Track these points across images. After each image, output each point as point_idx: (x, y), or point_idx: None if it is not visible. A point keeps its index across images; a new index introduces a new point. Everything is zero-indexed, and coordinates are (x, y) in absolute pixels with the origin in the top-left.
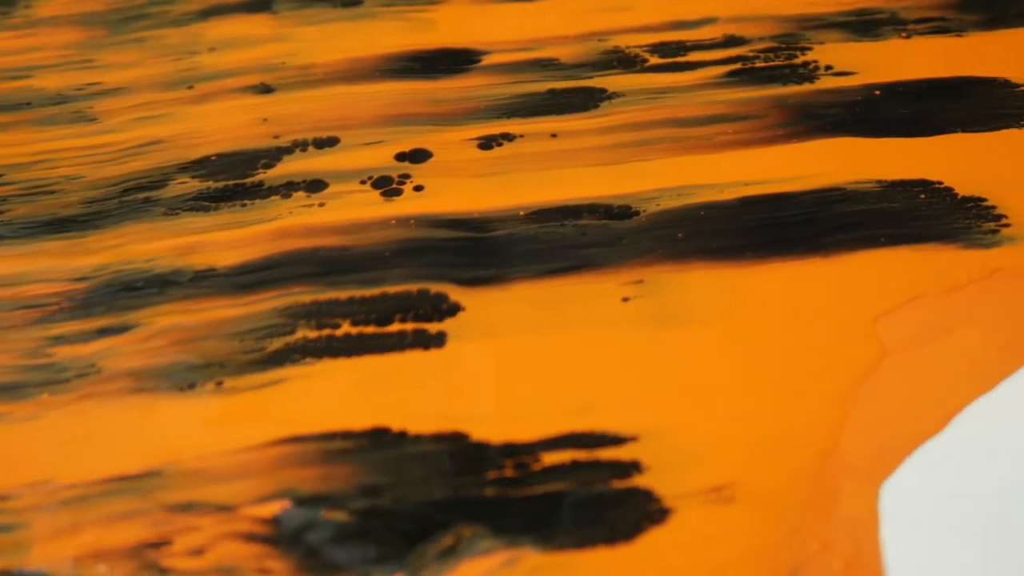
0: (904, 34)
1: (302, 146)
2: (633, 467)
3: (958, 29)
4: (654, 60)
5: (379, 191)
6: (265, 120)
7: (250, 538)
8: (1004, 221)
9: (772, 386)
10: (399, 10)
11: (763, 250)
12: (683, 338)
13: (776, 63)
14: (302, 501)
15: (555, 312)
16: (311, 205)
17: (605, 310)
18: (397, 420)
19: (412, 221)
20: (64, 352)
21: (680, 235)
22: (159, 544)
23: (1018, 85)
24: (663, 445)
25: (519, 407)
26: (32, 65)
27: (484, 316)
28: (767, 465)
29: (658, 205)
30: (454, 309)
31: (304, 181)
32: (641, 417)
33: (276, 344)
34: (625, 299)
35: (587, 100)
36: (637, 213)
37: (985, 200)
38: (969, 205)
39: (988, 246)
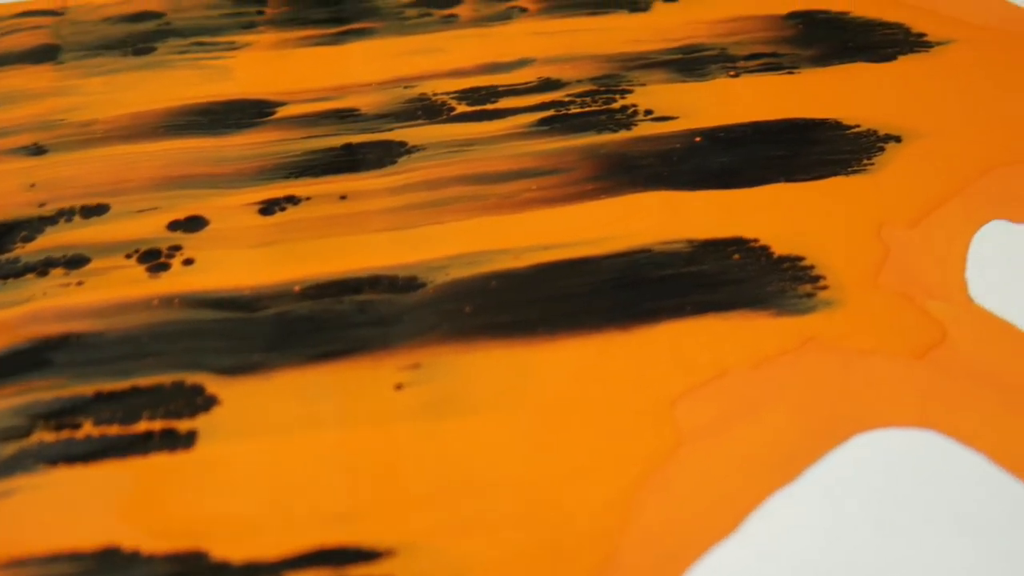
0: (733, 73)
1: (68, 215)
2: None
3: (791, 66)
4: (461, 108)
5: (145, 266)
6: (32, 186)
7: None
8: (822, 283)
9: (552, 485)
10: (194, 58)
11: (557, 324)
12: (457, 431)
13: (592, 108)
14: None
15: (319, 405)
16: (68, 284)
17: (375, 401)
18: (131, 537)
19: (176, 300)
20: None
21: (468, 309)
22: None
23: (849, 127)
24: (423, 560)
25: (267, 518)
26: None
27: (241, 411)
28: None
29: (447, 275)
30: (209, 403)
31: (64, 256)
32: (401, 527)
33: (8, 449)
34: (399, 386)
35: (383, 155)
36: (424, 285)
37: (803, 259)
38: (785, 266)
39: (803, 312)
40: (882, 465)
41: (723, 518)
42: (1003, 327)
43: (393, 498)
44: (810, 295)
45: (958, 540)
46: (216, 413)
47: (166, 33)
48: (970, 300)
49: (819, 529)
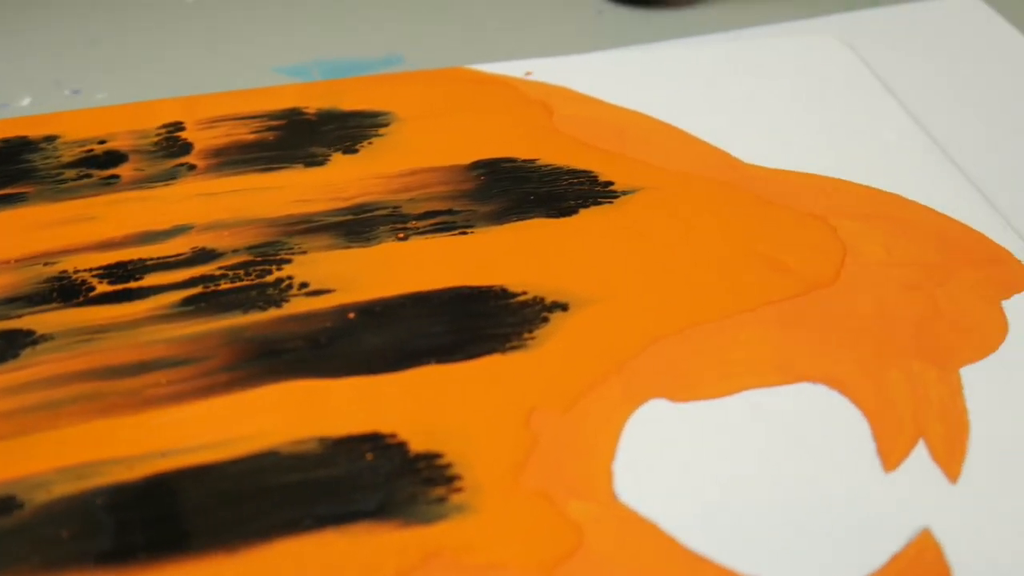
0: (401, 235)
1: None
2: None
3: (465, 224)
4: (103, 287)
5: None
6: None
7: None
8: (456, 484)
9: None
10: None
11: (157, 550)
12: None
13: (244, 283)
14: None
15: None
16: None
17: None
18: None
19: None
20: None
21: (66, 534)
22: None
23: (516, 295)
24: None
25: None
26: None
27: None
28: None
29: (50, 492)
30: None
31: None
32: None
33: None
34: None
35: (6, 348)
36: (21, 505)
37: (441, 456)
38: (421, 465)
39: (431, 520)
40: None
41: None
42: (644, 529)
43: None
44: (442, 499)
45: None
46: None
47: None
48: (614, 497)
49: None
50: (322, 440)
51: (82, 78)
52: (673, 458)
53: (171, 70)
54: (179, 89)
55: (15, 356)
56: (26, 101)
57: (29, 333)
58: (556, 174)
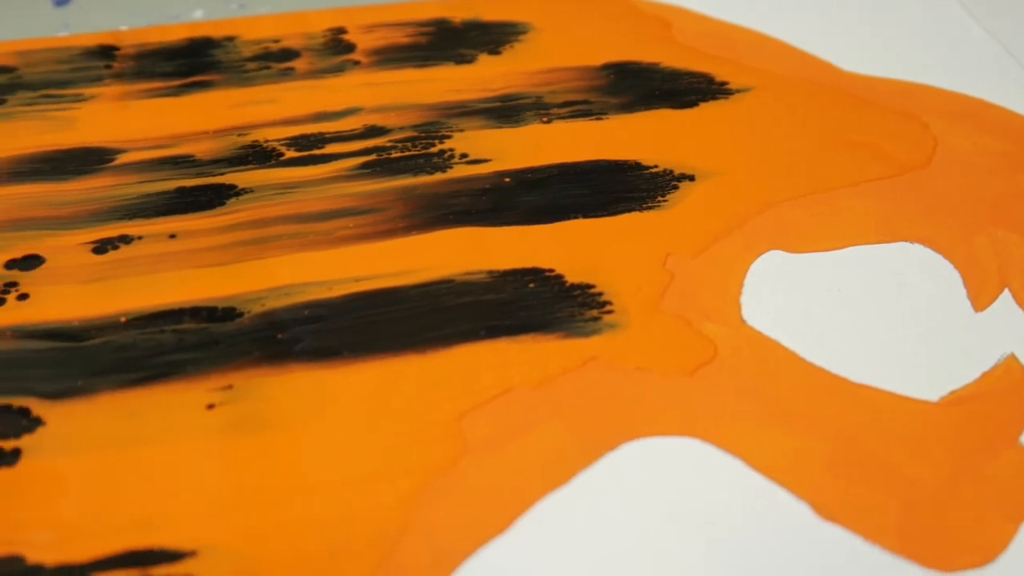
0: (545, 119)
1: None
2: None
3: (600, 112)
4: (291, 154)
5: None
6: None
7: None
8: (607, 308)
9: (341, 492)
10: (42, 109)
11: (360, 349)
12: (259, 444)
13: (412, 153)
14: None
15: (136, 424)
16: None
17: (187, 419)
18: None
19: (8, 332)
20: None
21: (280, 336)
22: None
23: (648, 167)
24: (221, 561)
25: (82, 526)
26: None
27: (64, 431)
28: (329, 574)
29: (263, 306)
30: (34, 424)
31: None
32: (203, 531)
33: None
34: (210, 406)
35: (214, 198)
36: (241, 315)
37: (593, 287)
38: (576, 293)
39: (587, 335)
40: (643, 468)
41: (496, 518)
42: (769, 345)
43: (196, 504)
44: (596, 319)
45: (707, 531)
46: (41, 433)
47: (16, 86)
48: (742, 322)
49: (586, 524)
50: (490, 272)
51: None
52: (791, 296)
53: None
54: (332, 4)
55: (222, 204)
56: (198, 13)
57: (232, 187)
58: (676, 75)
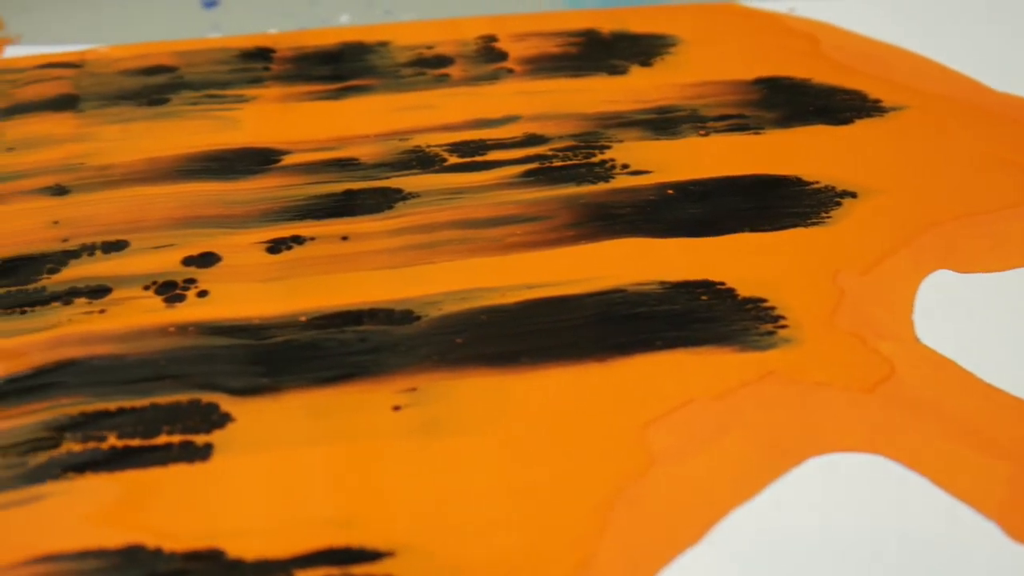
0: (702, 132)
1: (90, 250)
2: None
3: (756, 127)
4: (453, 159)
5: (162, 297)
6: (56, 223)
7: None
8: (782, 322)
9: (534, 496)
10: (205, 109)
11: (539, 356)
12: (449, 447)
13: (574, 162)
14: None
15: (324, 422)
16: (91, 312)
17: (375, 420)
18: (154, 537)
19: (191, 328)
20: None
21: (459, 340)
22: None
23: (810, 183)
24: (419, 560)
25: (278, 522)
26: None
27: (253, 427)
28: None
29: (440, 309)
30: (223, 420)
31: (87, 287)
32: (400, 531)
33: (39, 458)
34: (396, 407)
35: (382, 201)
36: (418, 318)
37: (765, 301)
38: (749, 307)
39: (764, 348)
40: (832, 484)
41: (690, 528)
42: (945, 364)
43: (392, 506)
44: (771, 333)
45: (894, 549)
46: (230, 429)
47: (179, 86)
48: (916, 340)
49: (776, 538)
50: (662, 283)
51: (392, 1)
52: (962, 315)
53: None
54: (480, 13)
55: (390, 207)
56: (344, 17)
57: (398, 191)
58: (829, 91)
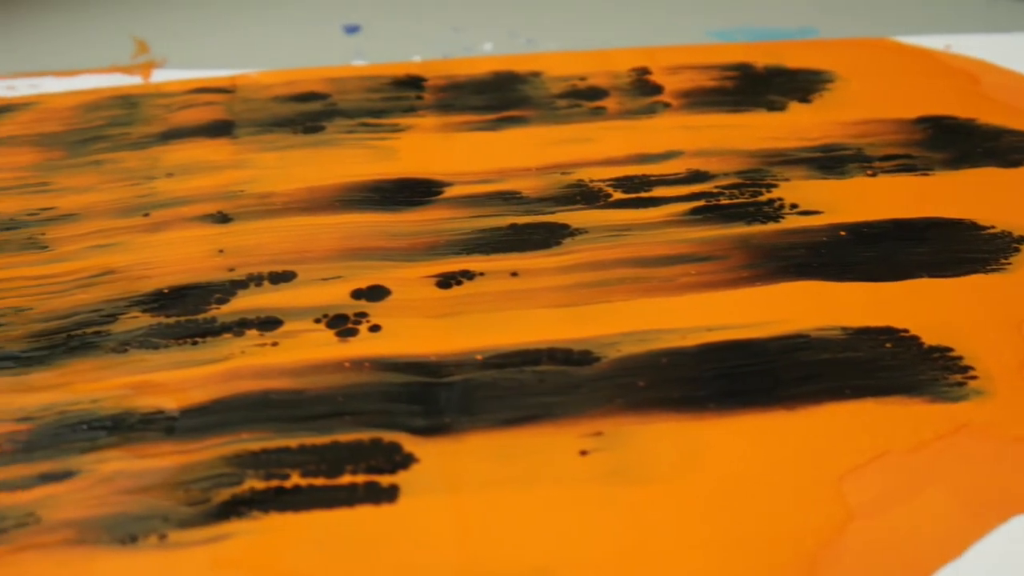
0: (870, 172)
1: (257, 280)
2: None
3: (924, 168)
4: (617, 195)
5: (334, 331)
6: (221, 251)
7: None
8: (971, 373)
9: (734, 548)
10: (361, 137)
11: (725, 401)
12: (642, 495)
13: (741, 200)
14: None
15: (511, 466)
16: (264, 344)
17: (562, 464)
18: None
19: (367, 364)
20: (2, 500)
21: (641, 384)
22: None
23: (984, 228)
24: None
25: (473, 567)
26: None
27: (437, 469)
28: None
29: (619, 351)
30: (407, 461)
31: (258, 318)
32: None
33: (222, 495)
34: (583, 452)
35: (549, 236)
36: (598, 359)
37: (952, 350)
38: (935, 356)
39: (955, 400)
40: None
41: None
42: None
43: (587, 554)
44: (961, 384)
45: None
46: (415, 470)
47: (332, 113)
48: None
49: None
50: (844, 329)
51: (534, 30)
52: None
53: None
54: (624, 44)
55: (558, 243)
56: (488, 46)
57: (565, 226)
58: (996, 132)
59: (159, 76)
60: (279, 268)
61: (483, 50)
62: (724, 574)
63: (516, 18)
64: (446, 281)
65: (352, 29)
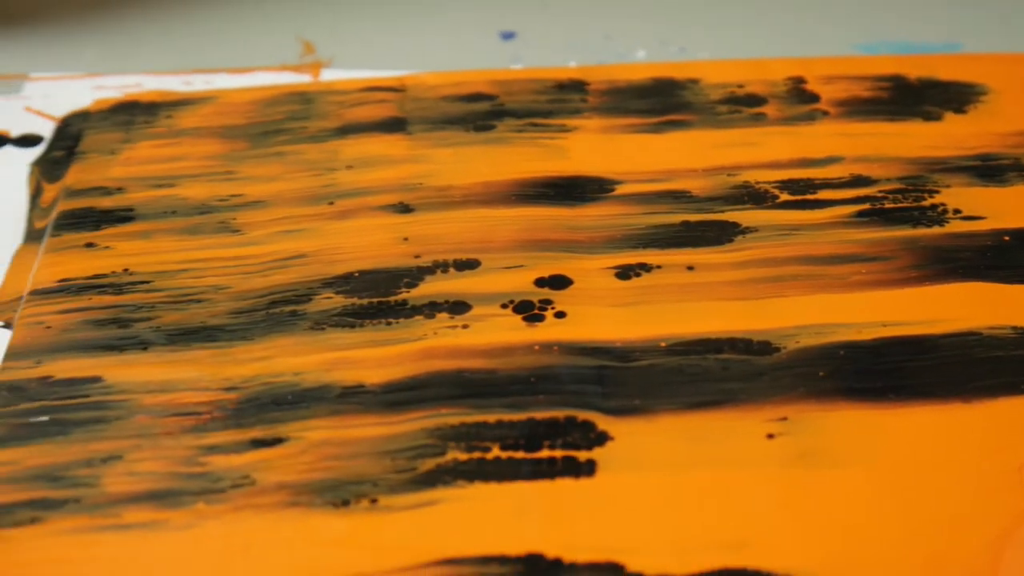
0: None
1: (443, 267)
2: None
3: None
4: (784, 196)
5: (521, 316)
6: (405, 239)
7: None
8: None
9: (921, 534)
10: (531, 136)
11: (904, 393)
12: (829, 479)
13: (904, 205)
14: None
15: (702, 447)
16: (455, 326)
17: (750, 447)
18: (551, 548)
19: (555, 348)
20: (218, 462)
21: (822, 373)
22: None
23: None
24: None
25: (671, 541)
26: (176, 175)
27: (632, 447)
28: None
29: (797, 342)
30: (602, 438)
31: (447, 302)
32: (792, 558)
33: (427, 464)
34: (770, 436)
35: (720, 234)
36: (777, 349)
37: None
38: None
39: None
40: None
41: None
42: None
43: (779, 533)
44: None
45: None
46: (610, 447)
47: (501, 113)
48: None
49: None
50: (1014, 328)
51: (685, 39)
52: None
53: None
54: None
55: (730, 240)
56: (641, 53)
57: (735, 224)
58: None
59: (327, 75)
60: (463, 256)
61: (637, 57)
62: (912, 556)
63: (667, 27)
64: (625, 273)
65: (508, 35)
